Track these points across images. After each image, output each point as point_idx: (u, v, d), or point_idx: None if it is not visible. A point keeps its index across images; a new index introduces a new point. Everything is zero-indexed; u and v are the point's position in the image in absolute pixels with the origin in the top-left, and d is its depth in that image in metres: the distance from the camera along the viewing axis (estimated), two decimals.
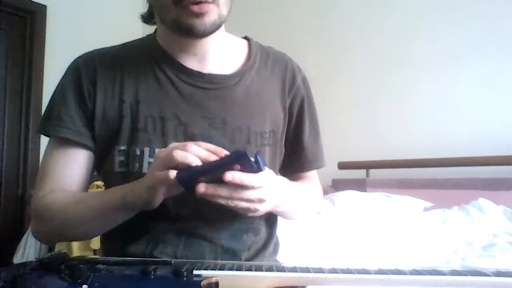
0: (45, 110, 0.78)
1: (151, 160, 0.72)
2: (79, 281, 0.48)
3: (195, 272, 0.51)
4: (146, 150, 0.72)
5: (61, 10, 3.04)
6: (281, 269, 0.52)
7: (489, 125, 2.26)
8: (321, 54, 2.80)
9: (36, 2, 2.93)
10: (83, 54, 0.80)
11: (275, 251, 0.86)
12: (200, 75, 0.76)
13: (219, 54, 0.79)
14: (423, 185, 2.26)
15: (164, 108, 0.74)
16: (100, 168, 0.78)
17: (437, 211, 1.82)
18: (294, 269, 0.52)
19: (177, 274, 0.50)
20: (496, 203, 1.78)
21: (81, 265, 0.50)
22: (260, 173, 0.57)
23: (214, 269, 0.52)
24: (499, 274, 0.51)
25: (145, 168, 0.72)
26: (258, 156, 0.57)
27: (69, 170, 0.75)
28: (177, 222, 0.72)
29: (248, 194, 0.58)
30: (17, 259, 2.39)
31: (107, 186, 0.80)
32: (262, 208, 0.62)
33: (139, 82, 0.76)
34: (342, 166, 2.61)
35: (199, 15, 0.67)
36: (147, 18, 0.82)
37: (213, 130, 0.75)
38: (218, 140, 0.74)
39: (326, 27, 2.87)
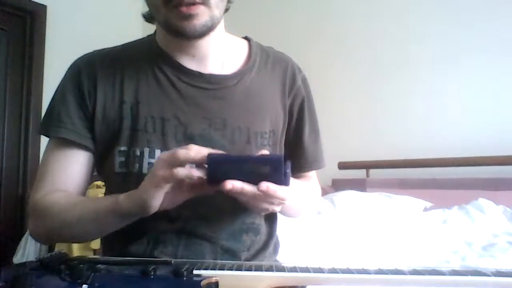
0: (46, 111, 0.78)
1: (151, 160, 0.72)
2: (79, 281, 0.48)
3: (195, 272, 0.51)
4: (146, 150, 0.72)
5: (61, 10, 3.04)
6: (281, 269, 0.52)
7: (489, 125, 2.26)
8: (321, 54, 2.80)
9: (36, 2, 2.93)
10: (84, 55, 0.80)
11: (275, 251, 0.86)
12: (200, 75, 0.76)
13: (219, 55, 0.79)
14: (423, 185, 2.26)
15: (164, 108, 0.74)
16: (101, 169, 0.78)
17: (437, 211, 1.83)
18: (294, 269, 0.52)
19: (177, 274, 0.50)
20: (496, 203, 1.78)
21: (81, 265, 0.50)
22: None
23: (214, 269, 0.52)
24: (499, 274, 0.51)
25: (145, 169, 0.71)
26: (287, 171, 0.56)
27: (69, 170, 0.75)
28: (177, 222, 0.72)
29: (275, 200, 0.58)
30: (17, 259, 2.39)
31: (108, 186, 0.80)
32: (279, 208, 0.62)
33: (139, 82, 0.76)
34: (342, 166, 2.61)
35: (189, 17, 0.66)
36: (149, 17, 0.82)
37: (213, 130, 0.75)
38: (218, 140, 0.74)
39: (326, 27, 2.87)
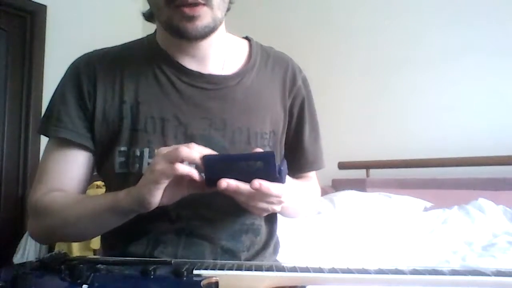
0: (45, 111, 0.78)
1: (151, 161, 0.71)
2: (79, 281, 0.48)
3: (195, 272, 0.51)
4: (146, 151, 0.72)
5: (61, 10, 3.04)
6: (281, 269, 0.52)
7: (489, 125, 2.26)
8: (321, 54, 2.80)
9: (36, 2, 2.93)
10: (83, 55, 0.79)
11: (275, 251, 0.86)
12: (200, 75, 0.76)
13: (219, 55, 0.79)
14: (423, 185, 2.26)
15: (164, 108, 0.74)
16: (101, 169, 0.78)
17: (437, 211, 1.83)
18: (294, 269, 0.52)
19: (177, 274, 0.50)
20: (496, 203, 1.78)
21: (81, 265, 0.50)
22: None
23: (214, 269, 0.52)
24: (499, 274, 0.51)
25: (145, 169, 0.71)
26: (282, 168, 0.57)
27: (68, 170, 0.75)
28: (177, 222, 0.72)
29: (271, 198, 0.58)
30: (17, 259, 2.39)
31: (107, 186, 0.80)
32: (278, 208, 0.62)
33: (139, 82, 0.76)
34: (342, 166, 2.61)
35: (191, 18, 0.65)
36: (149, 16, 0.81)
37: (213, 130, 0.75)
38: (218, 140, 0.74)
39: (326, 27, 2.87)
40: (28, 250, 2.40)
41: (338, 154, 2.55)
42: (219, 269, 0.52)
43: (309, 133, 0.85)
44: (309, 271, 0.52)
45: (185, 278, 0.50)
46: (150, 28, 0.83)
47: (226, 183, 0.55)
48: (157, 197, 0.59)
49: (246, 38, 0.86)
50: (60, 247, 2.17)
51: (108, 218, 0.67)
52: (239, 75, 0.79)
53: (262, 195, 0.57)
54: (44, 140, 0.79)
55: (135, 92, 0.75)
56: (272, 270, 0.52)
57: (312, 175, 0.90)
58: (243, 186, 0.56)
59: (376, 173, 2.55)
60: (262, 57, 0.83)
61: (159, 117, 0.74)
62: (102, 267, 0.52)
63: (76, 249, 2.25)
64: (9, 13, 2.85)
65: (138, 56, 0.78)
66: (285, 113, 0.82)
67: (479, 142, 2.24)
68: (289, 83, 0.83)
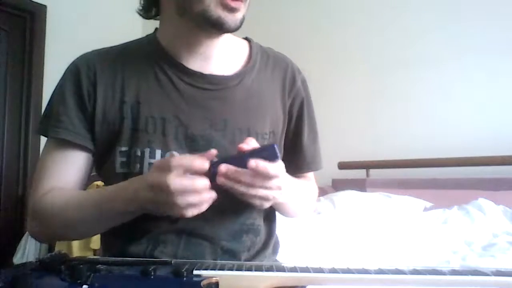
0: (44, 111, 0.78)
1: (152, 161, 0.71)
2: (79, 281, 0.48)
3: (195, 272, 0.51)
4: (147, 151, 0.72)
5: (61, 10, 3.04)
6: (281, 269, 0.52)
7: (489, 125, 2.26)
8: (321, 54, 2.80)
9: (36, 2, 2.93)
10: (82, 55, 0.79)
11: (275, 251, 0.86)
12: (201, 75, 0.76)
13: (221, 55, 0.79)
14: (423, 185, 2.26)
15: (165, 108, 0.74)
16: (101, 169, 0.78)
17: (437, 211, 1.83)
18: (294, 269, 0.52)
19: (177, 274, 0.50)
20: (496, 203, 1.78)
21: (81, 265, 0.50)
22: (277, 162, 0.59)
23: (214, 269, 0.52)
24: (499, 273, 0.51)
25: (145, 169, 0.71)
26: (275, 146, 0.59)
27: (67, 171, 0.75)
28: (178, 222, 0.72)
29: (269, 182, 0.59)
30: (17, 259, 2.39)
31: (107, 186, 0.80)
32: (279, 197, 0.63)
33: (140, 82, 0.76)
34: (342, 166, 2.61)
35: (233, 9, 0.68)
36: (145, 14, 0.81)
37: (214, 131, 0.75)
38: (218, 141, 0.74)
39: (325, 27, 2.87)
40: (28, 250, 2.40)
41: (338, 154, 2.55)
42: (219, 269, 0.52)
43: (307, 134, 0.85)
44: (309, 271, 0.52)
45: (185, 278, 0.50)
46: (150, 28, 0.82)
47: (226, 167, 0.58)
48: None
49: (246, 38, 0.86)
50: (60, 247, 2.17)
51: (113, 219, 0.69)
52: (240, 75, 0.79)
53: (261, 179, 0.58)
54: (44, 140, 0.79)
55: (135, 92, 0.75)
56: (272, 270, 0.52)
57: (310, 175, 0.90)
58: (242, 170, 0.58)
59: (376, 173, 2.55)
60: (262, 57, 0.83)
61: (160, 117, 0.74)
62: (102, 267, 0.52)
63: (76, 249, 2.25)
64: (9, 13, 2.85)
65: (138, 56, 0.78)
66: (285, 113, 0.82)
67: (479, 142, 2.24)
68: (288, 84, 0.83)
